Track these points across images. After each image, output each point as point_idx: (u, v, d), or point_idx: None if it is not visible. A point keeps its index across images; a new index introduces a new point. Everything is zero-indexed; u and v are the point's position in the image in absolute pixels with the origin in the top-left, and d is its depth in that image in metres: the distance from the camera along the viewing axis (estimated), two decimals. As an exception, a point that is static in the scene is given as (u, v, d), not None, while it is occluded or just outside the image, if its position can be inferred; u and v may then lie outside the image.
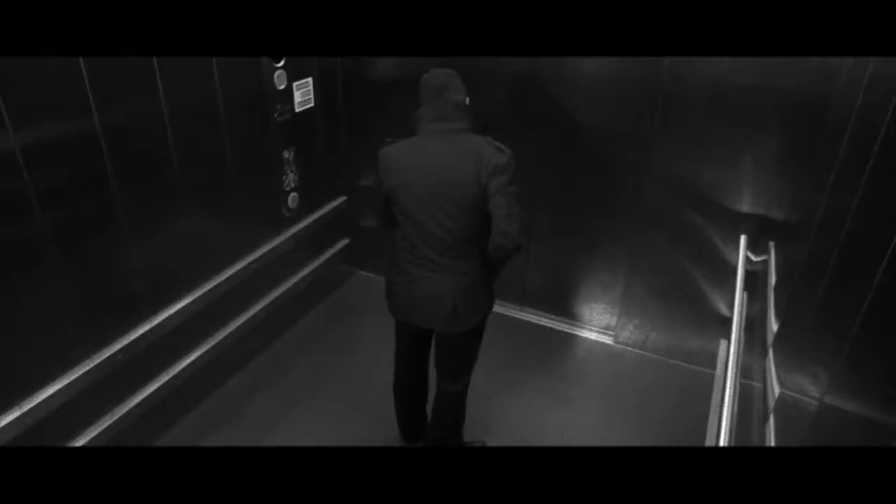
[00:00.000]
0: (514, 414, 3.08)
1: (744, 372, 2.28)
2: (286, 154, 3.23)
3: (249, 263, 3.11)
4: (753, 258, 2.94)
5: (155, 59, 2.38)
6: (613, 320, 3.57)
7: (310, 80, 3.25)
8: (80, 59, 2.12)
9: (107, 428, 2.50)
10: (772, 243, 2.87)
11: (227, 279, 2.97)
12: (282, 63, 3.02)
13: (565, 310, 3.70)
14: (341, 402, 3.13)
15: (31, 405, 2.20)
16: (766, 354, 2.29)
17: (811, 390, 1.67)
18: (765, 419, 1.99)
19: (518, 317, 3.79)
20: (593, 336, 3.66)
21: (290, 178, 3.30)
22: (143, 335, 2.56)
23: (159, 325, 2.63)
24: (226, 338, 3.07)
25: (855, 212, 1.64)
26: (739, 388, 2.15)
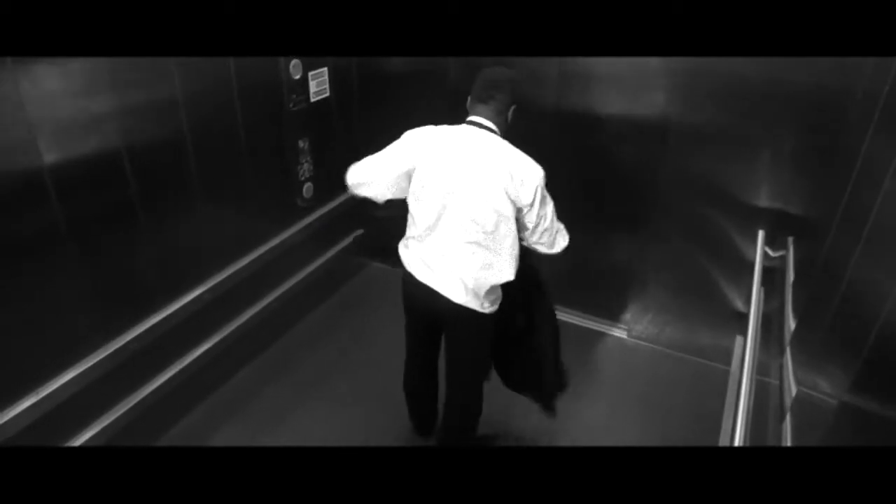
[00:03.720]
0: (524, 407, 3.06)
1: (760, 369, 2.25)
2: (301, 143, 3.22)
3: (263, 253, 3.11)
4: (771, 253, 2.90)
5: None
6: (628, 314, 3.55)
7: (325, 69, 3.24)
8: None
9: (119, 416, 2.52)
10: (790, 239, 2.83)
11: (241, 269, 2.98)
12: (297, 52, 3.02)
13: (579, 303, 3.68)
14: (353, 394, 3.14)
15: (46, 392, 2.21)
16: (783, 352, 2.26)
17: (830, 389, 1.65)
18: (781, 418, 1.97)
19: (531, 310, 3.77)
20: (607, 330, 3.64)
21: (305, 168, 3.30)
22: (156, 325, 2.57)
23: (173, 314, 2.64)
24: (239, 328, 3.08)
25: (879, 208, 1.61)
26: (755, 385, 2.13)
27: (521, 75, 2.32)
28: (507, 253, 2.19)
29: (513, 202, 2.13)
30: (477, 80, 2.26)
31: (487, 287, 2.22)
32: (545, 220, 2.21)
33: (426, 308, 2.34)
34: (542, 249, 2.29)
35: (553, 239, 2.28)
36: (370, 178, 2.38)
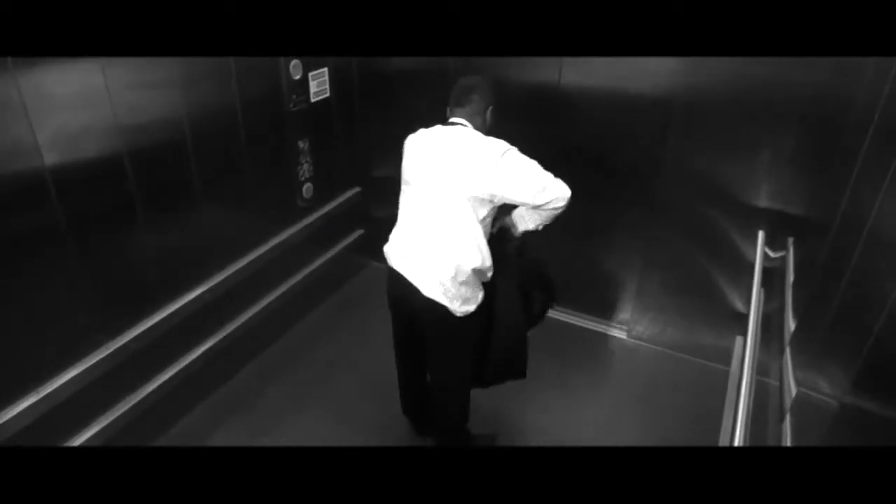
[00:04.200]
0: (524, 407, 3.07)
1: (760, 369, 2.25)
2: (301, 144, 3.22)
3: (263, 253, 3.11)
4: (771, 254, 2.90)
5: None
6: (627, 315, 3.55)
7: (325, 70, 3.24)
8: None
9: (120, 416, 2.52)
10: (790, 239, 2.83)
11: (241, 269, 2.98)
12: (297, 52, 3.02)
13: (579, 303, 3.68)
14: (353, 394, 3.14)
15: (47, 392, 2.21)
16: (783, 352, 2.26)
17: (830, 390, 1.65)
18: (781, 418, 1.97)
19: (531, 310, 3.76)
20: (607, 330, 3.64)
21: (305, 168, 3.30)
22: (156, 324, 2.57)
23: (173, 313, 2.64)
24: (239, 327, 3.08)
25: (879, 208, 1.61)
26: (755, 385, 2.13)
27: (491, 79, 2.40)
28: (472, 238, 2.20)
29: (481, 184, 2.14)
30: (453, 89, 2.37)
31: (453, 273, 2.19)
32: (537, 178, 2.17)
33: (404, 301, 2.34)
34: (560, 204, 2.22)
35: (558, 190, 2.20)
36: None
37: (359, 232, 3.90)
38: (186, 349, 2.83)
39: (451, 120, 2.33)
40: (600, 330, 3.65)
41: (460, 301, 2.23)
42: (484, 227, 2.22)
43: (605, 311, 3.63)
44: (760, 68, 2.64)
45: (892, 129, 1.80)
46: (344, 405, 3.07)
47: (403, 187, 2.35)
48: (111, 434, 2.49)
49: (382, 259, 2.41)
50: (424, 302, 2.24)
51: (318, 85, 3.22)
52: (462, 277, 2.20)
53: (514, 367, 2.51)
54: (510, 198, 2.18)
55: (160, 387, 2.68)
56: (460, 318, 2.26)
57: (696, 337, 3.38)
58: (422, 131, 2.36)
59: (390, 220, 2.41)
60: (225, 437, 2.85)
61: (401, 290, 2.31)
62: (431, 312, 2.25)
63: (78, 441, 2.39)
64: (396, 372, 2.72)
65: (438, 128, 2.32)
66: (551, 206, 2.21)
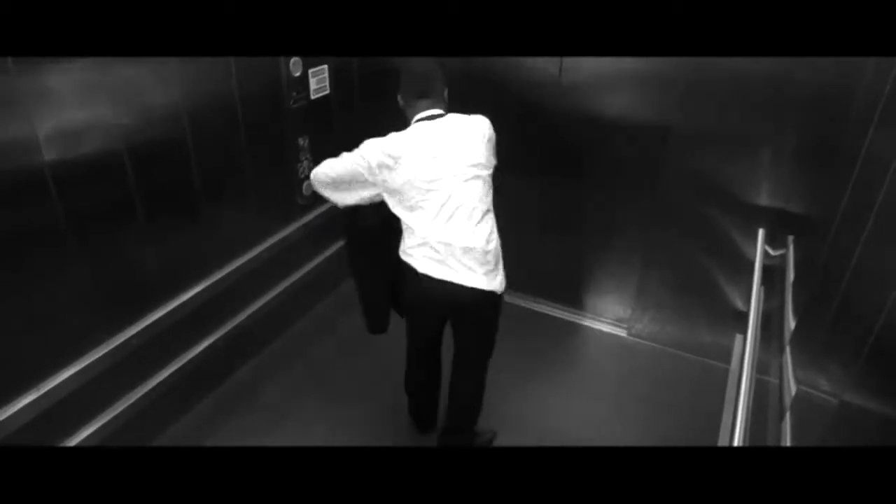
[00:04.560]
0: (525, 405, 3.07)
1: (759, 367, 2.25)
2: (301, 141, 3.22)
3: (262, 251, 3.10)
4: (771, 252, 2.90)
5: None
6: (627, 312, 3.55)
7: (325, 67, 3.23)
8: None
9: (119, 413, 2.51)
10: (790, 238, 2.83)
11: (240, 266, 2.97)
12: (297, 50, 3.01)
13: (579, 301, 3.68)
14: (353, 393, 3.14)
15: (47, 389, 2.21)
16: (783, 350, 2.26)
17: (830, 388, 1.65)
18: (781, 416, 1.97)
19: (531, 307, 3.77)
20: (606, 328, 3.65)
21: (305, 166, 3.29)
22: (155, 322, 2.57)
23: (172, 311, 2.64)
24: (238, 325, 3.08)
25: (880, 207, 1.61)
26: (755, 383, 2.13)
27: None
28: (493, 217, 2.31)
29: (489, 160, 2.29)
30: (407, 79, 2.36)
31: (497, 260, 2.30)
32: None
33: (446, 303, 2.33)
34: None
35: None
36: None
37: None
38: (185, 347, 2.82)
39: (425, 114, 2.30)
40: (600, 328, 3.66)
41: (500, 279, 2.32)
42: None
43: (605, 309, 3.63)
44: (761, 67, 2.64)
45: (892, 127, 1.80)
46: (344, 405, 3.07)
47: (425, 195, 2.22)
48: (110, 432, 2.49)
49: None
50: (474, 295, 2.26)
51: (318, 82, 3.21)
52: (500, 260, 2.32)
53: None
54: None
55: (159, 385, 2.68)
56: (500, 293, 2.34)
57: (695, 335, 3.38)
58: (412, 134, 2.28)
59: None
60: (224, 436, 2.85)
61: (446, 294, 2.27)
62: (482, 301, 2.29)
63: (77, 439, 2.39)
64: (410, 380, 2.72)
65: (431, 123, 2.28)
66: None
